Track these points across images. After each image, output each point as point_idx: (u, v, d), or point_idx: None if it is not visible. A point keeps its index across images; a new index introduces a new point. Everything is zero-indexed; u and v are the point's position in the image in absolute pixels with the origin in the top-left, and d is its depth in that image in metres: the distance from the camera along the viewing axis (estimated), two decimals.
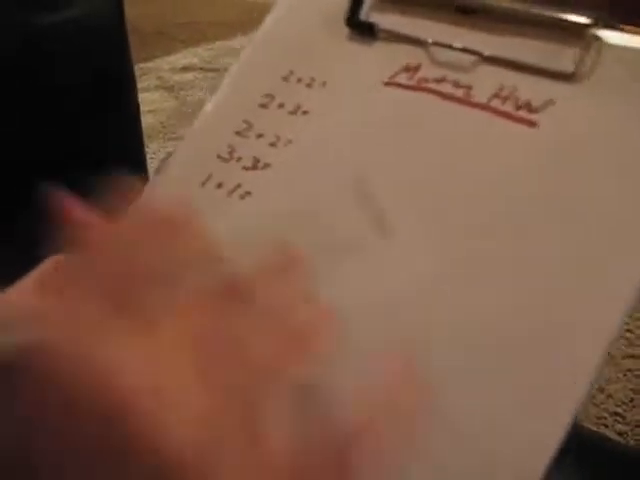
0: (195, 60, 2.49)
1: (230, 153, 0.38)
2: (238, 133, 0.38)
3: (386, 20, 0.37)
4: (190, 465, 0.17)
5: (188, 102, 2.14)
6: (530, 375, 0.27)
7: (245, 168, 0.37)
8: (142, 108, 2.24)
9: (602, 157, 0.30)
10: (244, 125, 0.39)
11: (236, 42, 2.68)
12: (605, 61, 0.31)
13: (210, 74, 2.35)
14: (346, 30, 0.38)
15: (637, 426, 1.08)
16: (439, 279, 0.30)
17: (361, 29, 0.38)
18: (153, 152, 1.74)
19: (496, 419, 0.27)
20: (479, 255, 0.30)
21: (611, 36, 0.32)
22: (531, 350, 0.27)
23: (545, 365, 0.27)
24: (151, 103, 2.13)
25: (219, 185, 0.37)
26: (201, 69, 2.41)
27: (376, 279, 0.31)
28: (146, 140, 1.94)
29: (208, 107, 0.40)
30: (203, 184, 0.38)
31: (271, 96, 0.38)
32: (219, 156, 0.38)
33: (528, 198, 0.30)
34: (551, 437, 0.25)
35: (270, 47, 0.40)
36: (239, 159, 0.38)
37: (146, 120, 2.01)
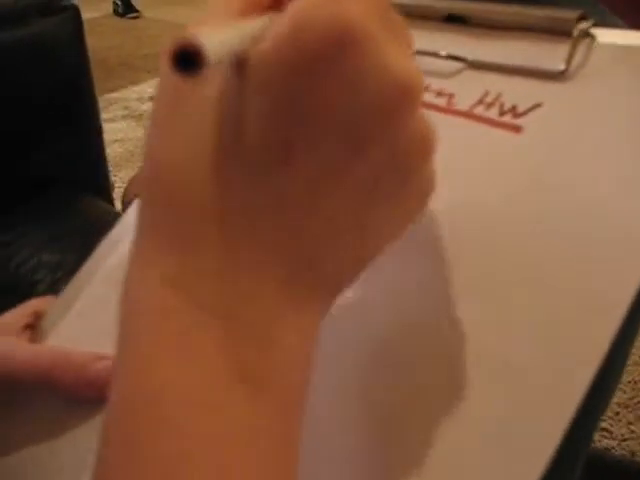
0: None
1: None
2: None
3: None
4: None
5: None
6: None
7: None
8: (110, 137, 2.21)
9: (590, 159, 0.28)
10: None
11: None
12: (596, 59, 0.30)
13: None
14: None
15: (623, 440, 1.07)
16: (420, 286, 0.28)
17: None
18: (122, 181, 1.71)
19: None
20: (461, 267, 0.28)
21: (602, 33, 0.30)
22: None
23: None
24: (119, 132, 2.11)
25: None
26: None
27: None
28: (114, 169, 1.91)
29: None
30: None
31: None
32: None
33: (510, 207, 0.28)
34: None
35: None
36: None
37: (114, 149, 1.98)
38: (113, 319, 0.34)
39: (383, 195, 0.23)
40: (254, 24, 0.23)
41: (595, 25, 0.30)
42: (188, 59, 0.18)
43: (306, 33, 0.20)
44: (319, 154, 0.21)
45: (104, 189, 0.79)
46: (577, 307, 0.25)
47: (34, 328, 0.36)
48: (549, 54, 0.30)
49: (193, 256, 0.22)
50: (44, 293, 0.56)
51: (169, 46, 0.18)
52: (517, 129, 0.30)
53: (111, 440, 0.21)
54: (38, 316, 0.36)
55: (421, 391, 0.27)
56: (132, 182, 0.76)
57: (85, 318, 0.35)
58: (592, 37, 0.30)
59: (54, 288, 0.36)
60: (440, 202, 0.28)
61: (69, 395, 0.32)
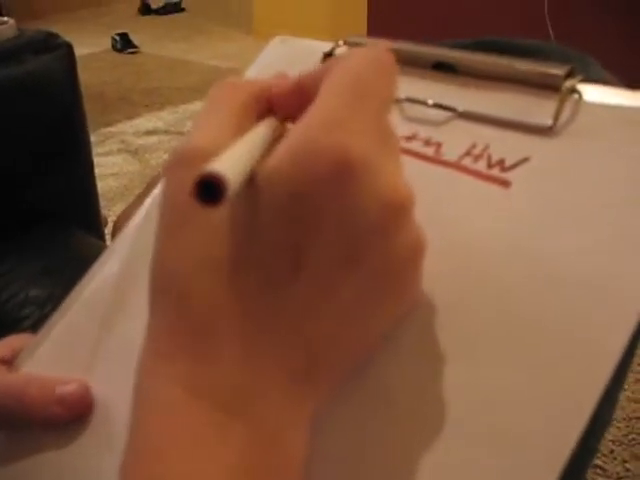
0: (159, 124, 2.50)
1: None
2: None
3: None
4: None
5: (151, 165, 2.13)
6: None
7: None
8: (105, 171, 2.22)
9: (576, 217, 0.28)
10: None
11: (200, 106, 2.70)
12: (583, 115, 0.30)
13: (174, 137, 2.35)
14: None
15: (619, 479, 1.05)
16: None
17: None
18: (116, 215, 1.71)
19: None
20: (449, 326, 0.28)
21: (589, 90, 0.30)
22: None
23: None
24: (114, 166, 2.12)
25: None
26: (165, 132, 2.41)
27: None
28: (109, 203, 1.91)
29: None
30: None
31: None
32: None
33: (497, 264, 0.28)
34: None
35: None
36: None
37: (109, 183, 1.99)
38: (86, 347, 0.34)
39: (378, 294, 0.25)
40: (261, 133, 0.25)
41: (583, 80, 0.30)
42: (211, 190, 0.19)
43: (309, 160, 0.22)
44: (324, 261, 0.23)
45: (95, 225, 0.79)
46: (569, 357, 0.25)
47: (10, 364, 0.36)
48: (537, 108, 0.30)
49: (205, 360, 0.24)
50: (30, 329, 0.56)
51: (194, 178, 0.19)
52: (506, 184, 0.29)
53: None
54: (15, 354, 0.36)
55: (403, 453, 0.26)
56: (120, 218, 0.76)
57: (60, 346, 0.35)
58: (579, 94, 0.30)
59: (40, 325, 0.36)
60: (426, 254, 0.28)
61: (42, 416, 0.32)
